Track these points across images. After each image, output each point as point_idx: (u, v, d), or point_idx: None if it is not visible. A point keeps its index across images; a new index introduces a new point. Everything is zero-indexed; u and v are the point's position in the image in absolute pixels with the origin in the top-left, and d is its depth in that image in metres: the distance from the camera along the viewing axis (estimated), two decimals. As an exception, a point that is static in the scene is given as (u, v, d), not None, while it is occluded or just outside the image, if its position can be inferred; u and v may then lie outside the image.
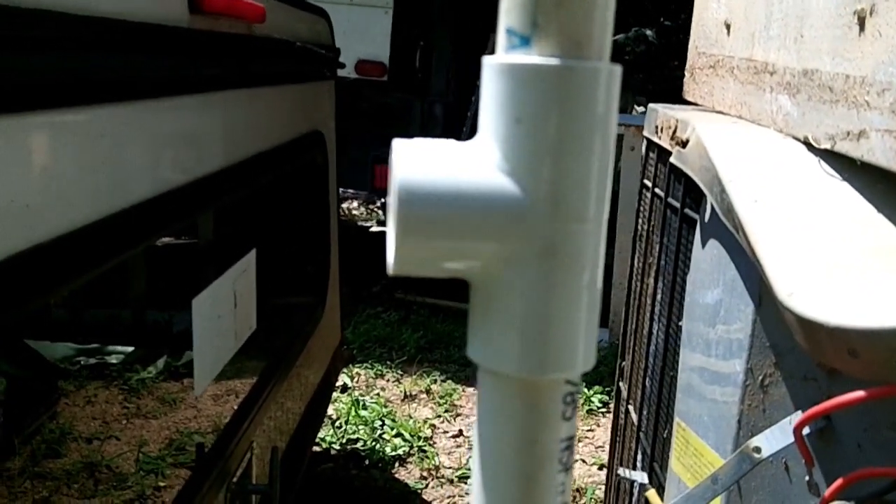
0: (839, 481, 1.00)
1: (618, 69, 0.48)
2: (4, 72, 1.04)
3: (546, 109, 0.46)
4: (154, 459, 2.43)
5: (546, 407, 0.51)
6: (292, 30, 2.51)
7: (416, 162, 0.47)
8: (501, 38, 0.48)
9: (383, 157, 5.57)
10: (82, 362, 2.82)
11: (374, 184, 5.63)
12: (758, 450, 1.18)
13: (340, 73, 3.24)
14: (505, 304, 0.49)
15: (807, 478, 1.09)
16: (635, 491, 1.88)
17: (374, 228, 8.45)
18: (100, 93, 1.31)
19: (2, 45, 1.03)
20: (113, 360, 2.87)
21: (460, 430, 4.48)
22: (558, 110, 0.46)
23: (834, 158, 1.16)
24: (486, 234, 0.48)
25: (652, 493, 1.42)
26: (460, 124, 5.71)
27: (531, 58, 0.46)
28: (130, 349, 2.92)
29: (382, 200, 6.43)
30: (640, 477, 1.56)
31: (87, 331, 2.89)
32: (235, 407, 2.30)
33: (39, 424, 2.31)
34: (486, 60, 0.48)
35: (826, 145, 1.14)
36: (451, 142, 0.50)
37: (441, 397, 4.80)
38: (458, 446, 4.34)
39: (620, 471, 1.59)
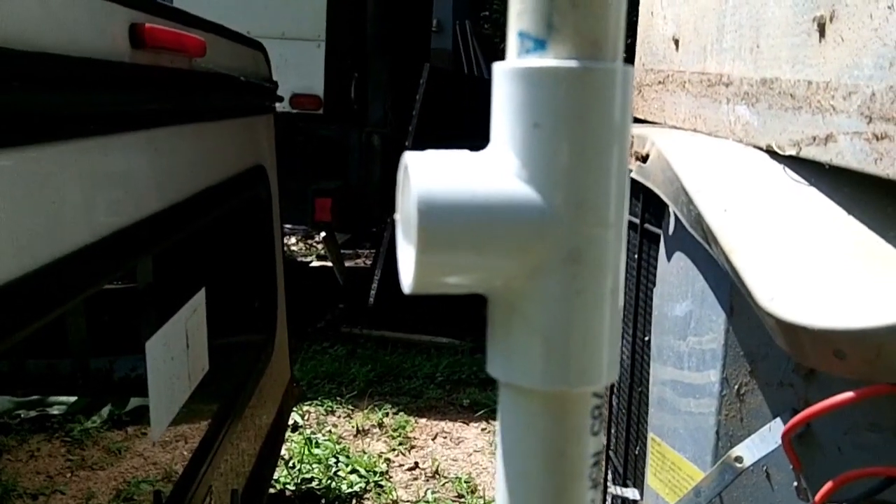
0: (829, 484, 1.00)
1: (631, 69, 0.47)
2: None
3: (565, 112, 0.45)
4: (104, 512, 2.35)
5: (574, 421, 0.49)
6: (232, 63, 2.48)
7: (432, 174, 0.46)
8: (513, 42, 0.46)
9: (323, 191, 5.56)
10: (22, 415, 2.72)
11: (314, 217, 5.58)
12: (740, 459, 1.18)
13: (276, 107, 3.21)
14: (528, 315, 0.47)
15: (795, 483, 1.09)
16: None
17: (315, 263, 8.39)
18: (37, 132, 1.26)
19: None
20: (54, 411, 2.78)
21: (416, 463, 4.43)
22: (578, 113, 0.45)
23: (799, 164, 1.17)
24: (508, 243, 0.46)
25: (644, 509, 1.41)
26: (399, 154, 5.69)
27: (548, 61, 0.45)
28: (72, 399, 2.83)
29: (322, 234, 6.38)
30: (632, 493, 1.55)
31: (27, 382, 2.80)
32: (188, 451, 2.24)
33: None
34: (498, 66, 0.47)
35: (791, 151, 1.15)
36: (465, 152, 0.48)
37: (394, 430, 4.75)
38: (415, 479, 4.29)
39: (612, 489, 1.58)
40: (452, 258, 0.46)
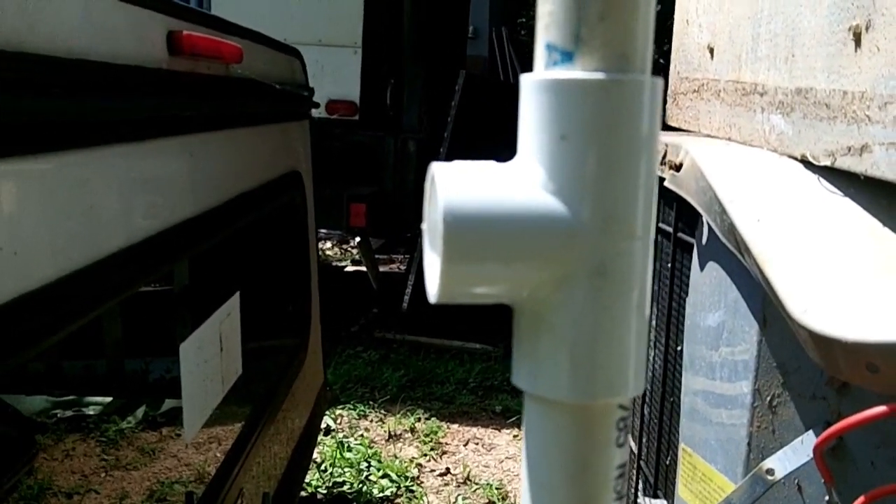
0: (861, 499, 0.99)
1: (660, 81, 0.47)
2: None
3: (593, 124, 0.45)
4: (137, 512, 2.37)
5: (599, 433, 0.49)
6: (268, 70, 2.50)
7: (460, 185, 0.46)
8: (541, 53, 0.47)
9: (357, 196, 5.58)
10: (59, 415, 2.76)
11: (349, 222, 5.60)
12: (771, 472, 1.17)
13: (312, 113, 3.23)
14: (554, 327, 0.48)
15: (826, 497, 1.08)
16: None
17: (349, 268, 8.42)
18: (77, 137, 1.28)
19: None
20: (90, 411, 2.81)
21: (447, 469, 4.43)
22: (605, 125, 0.45)
23: (833, 174, 1.16)
24: (535, 255, 0.46)
25: (674, 520, 1.41)
26: (434, 160, 5.71)
27: (576, 73, 0.45)
28: (108, 400, 2.87)
29: (357, 239, 6.41)
30: (661, 504, 1.54)
31: (63, 383, 2.83)
32: (220, 454, 2.26)
33: (17, 481, 2.25)
34: (526, 78, 0.47)
35: (826, 162, 1.14)
36: (492, 163, 0.48)
37: (426, 436, 4.75)
38: (446, 485, 4.29)
39: (641, 500, 1.57)
40: (478, 269, 0.46)
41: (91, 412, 2.83)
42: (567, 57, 0.45)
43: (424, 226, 0.50)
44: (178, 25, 1.69)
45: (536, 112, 0.46)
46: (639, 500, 1.53)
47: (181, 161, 1.75)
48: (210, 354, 2.09)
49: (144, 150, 1.55)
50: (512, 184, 0.47)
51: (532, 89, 0.47)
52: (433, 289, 0.48)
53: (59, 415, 2.81)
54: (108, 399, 2.89)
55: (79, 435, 2.68)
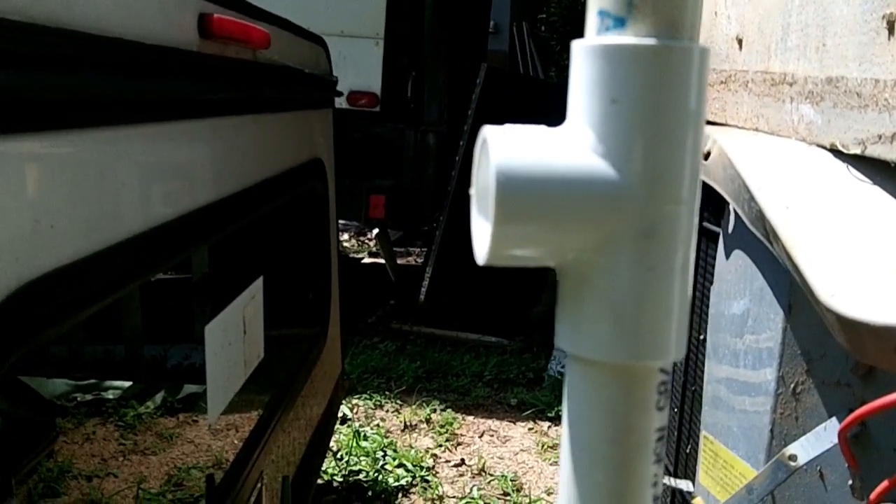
0: (884, 483, 0.99)
1: (708, 50, 0.48)
2: (5, 90, 1.01)
3: (643, 89, 0.46)
4: (155, 496, 2.40)
5: (640, 395, 0.50)
6: (294, 57, 2.51)
7: (511, 147, 0.47)
8: (593, 20, 0.48)
9: (377, 188, 5.59)
10: (79, 399, 2.78)
11: (368, 214, 5.62)
12: (793, 458, 1.17)
13: (335, 102, 3.24)
14: (599, 288, 0.49)
15: (850, 482, 1.09)
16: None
17: (367, 260, 8.44)
18: (108, 114, 1.29)
19: (5, 61, 1.00)
20: (109, 395, 2.84)
21: (462, 459, 4.45)
22: (655, 90, 0.46)
23: (863, 163, 1.16)
24: (583, 217, 0.47)
25: (699, 501, 1.41)
26: (454, 153, 5.73)
27: (628, 38, 0.46)
28: (127, 384, 2.89)
29: (375, 231, 6.43)
30: (686, 485, 1.55)
31: (84, 366, 2.86)
32: (238, 438, 2.28)
33: (37, 463, 2.27)
34: (577, 43, 0.48)
35: (856, 150, 1.14)
36: (542, 127, 0.49)
37: (441, 426, 4.77)
38: (461, 475, 4.31)
39: (666, 479, 1.58)
40: (528, 230, 0.47)
41: (110, 396, 2.86)
42: (619, 23, 0.46)
43: (472, 190, 0.51)
44: (209, 8, 1.70)
45: (588, 77, 0.47)
46: (664, 480, 1.54)
47: (209, 144, 1.77)
48: (234, 337, 2.11)
49: (175, 131, 1.57)
50: (562, 147, 0.48)
51: (584, 55, 0.48)
52: (482, 250, 0.49)
53: (79, 398, 2.84)
54: (128, 384, 2.91)
55: (98, 419, 2.71)
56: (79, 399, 2.77)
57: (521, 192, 0.46)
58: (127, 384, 2.88)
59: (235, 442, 2.31)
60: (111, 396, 2.82)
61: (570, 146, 0.48)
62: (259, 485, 2.28)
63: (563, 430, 0.53)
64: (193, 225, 1.65)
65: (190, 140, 1.66)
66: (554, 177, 0.46)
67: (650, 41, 0.45)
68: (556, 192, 0.46)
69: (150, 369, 3.06)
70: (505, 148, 0.47)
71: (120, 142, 1.33)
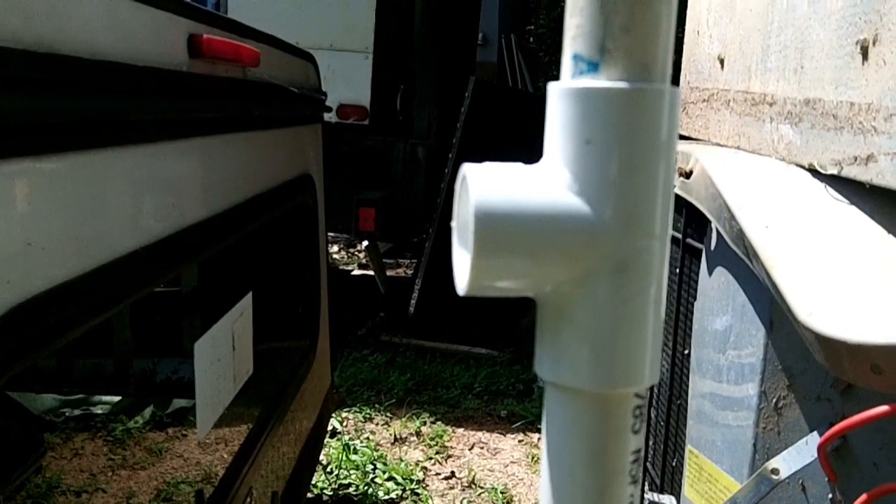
0: (863, 497, 1.01)
1: (678, 91, 0.50)
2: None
3: (616, 130, 0.48)
4: (145, 511, 2.40)
5: (617, 420, 0.52)
6: (283, 74, 2.53)
7: (490, 184, 0.49)
8: (568, 64, 0.50)
9: (367, 201, 5.61)
10: (67, 414, 2.78)
11: (357, 226, 5.64)
12: (776, 471, 1.19)
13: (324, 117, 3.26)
14: (576, 320, 0.51)
15: (830, 495, 1.11)
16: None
17: (357, 272, 8.45)
18: (101, 136, 1.31)
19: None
20: (98, 410, 2.84)
21: (452, 472, 4.46)
22: (628, 131, 0.48)
23: (839, 183, 1.19)
24: (559, 252, 0.49)
25: (682, 516, 1.43)
26: (443, 166, 5.76)
27: (600, 82, 0.48)
28: (116, 399, 2.89)
29: (365, 243, 6.45)
30: (669, 500, 1.57)
31: (73, 381, 2.86)
32: (230, 452, 2.28)
33: (25, 479, 2.27)
34: (553, 86, 0.50)
35: (832, 171, 1.17)
36: (520, 165, 0.51)
37: (431, 439, 4.78)
38: (451, 488, 4.32)
39: (648, 495, 1.60)
40: (505, 264, 0.50)
41: (99, 411, 2.85)
42: (593, 67, 0.48)
43: (454, 223, 0.53)
44: (199, 29, 1.72)
45: (563, 118, 0.50)
46: (646, 496, 1.56)
47: (198, 162, 1.79)
48: (223, 353, 2.12)
49: (164, 151, 1.58)
50: (539, 184, 0.50)
51: (559, 97, 0.50)
52: (462, 282, 0.51)
53: (67, 413, 2.83)
54: (117, 398, 2.91)
55: (87, 434, 2.71)
56: (67, 414, 2.77)
57: (499, 228, 0.48)
58: (116, 399, 2.89)
59: (225, 456, 2.32)
60: (100, 411, 2.82)
61: (547, 184, 0.50)
62: (248, 500, 2.29)
63: (542, 454, 0.55)
64: (184, 243, 1.67)
65: (180, 159, 1.68)
66: (531, 213, 0.49)
67: (622, 84, 0.48)
68: (534, 228, 0.48)
69: (139, 384, 3.06)
70: (484, 185, 0.49)
71: (111, 163, 1.35)
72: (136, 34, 1.46)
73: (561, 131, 0.50)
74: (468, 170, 0.50)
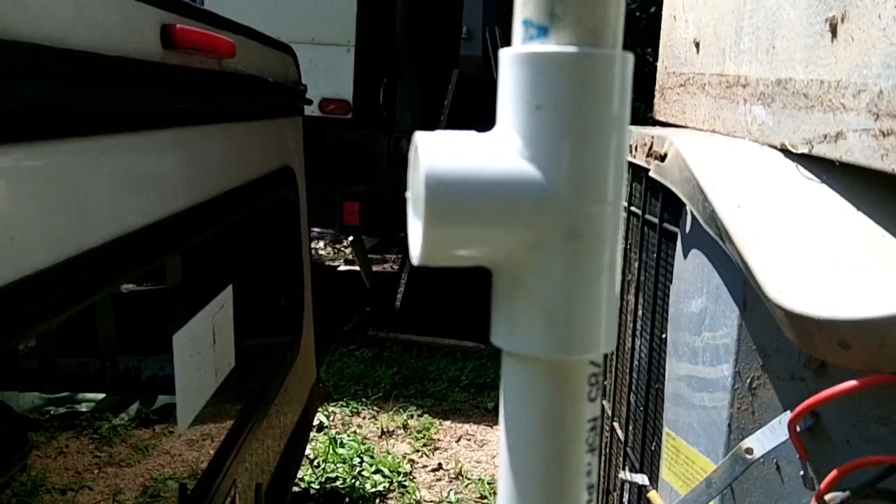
0: (834, 472, 1.02)
1: (630, 56, 0.50)
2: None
3: (566, 95, 0.48)
4: (130, 508, 2.39)
5: (572, 387, 0.52)
6: (261, 65, 2.52)
7: (441, 152, 0.49)
8: (518, 29, 0.50)
9: (351, 195, 5.60)
10: (52, 412, 2.77)
11: (342, 221, 5.63)
12: (750, 451, 1.20)
13: (305, 111, 3.25)
14: (530, 287, 0.50)
15: (801, 472, 1.11)
16: (625, 500, 1.89)
17: (343, 267, 8.44)
18: (70, 127, 1.30)
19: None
20: (83, 408, 2.82)
21: (439, 464, 4.46)
22: (578, 95, 0.48)
23: (811, 162, 1.19)
24: (511, 219, 0.49)
25: (654, 495, 1.43)
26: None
27: (550, 47, 0.48)
28: (101, 396, 2.88)
29: (350, 238, 6.44)
30: (642, 479, 1.57)
31: (57, 380, 2.84)
32: (214, 447, 2.28)
33: (10, 477, 2.26)
34: (504, 52, 0.50)
35: (803, 149, 1.17)
36: (472, 133, 0.51)
37: (418, 432, 4.78)
38: (438, 480, 4.32)
39: (622, 474, 1.61)
40: (458, 232, 0.49)
41: (84, 409, 2.84)
42: (542, 32, 0.48)
43: (408, 194, 0.53)
44: (172, 19, 1.71)
45: (513, 84, 0.49)
46: (619, 475, 1.56)
47: (174, 154, 1.78)
48: (203, 346, 2.11)
49: (137, 142, 1.57)
50: (490, 152, 0.49)
51: (510, 63, 0.49)
52: (415, 251, 0.51)
53: (52, 412, 2.82)
54: (101, 396, 2.90)
55: (72, 432, 2.70)
56: (52, 412, 2.76)
57: (450, 196, 0.48)
58: (101, 396, 2.87)
59: (209, 451, 2.32)
60: (85, 409, 2.81)
61: (499, 151, 0.49)
62: (232, 493, 2.28)
63: (501, 423, 0.54)
64: (160, 235, 1.66)
65: (155, 150, 1.67)
66: (482, 180, 0.48)
67: (571, 49, 0.47)
68: (485, 196, 0.48)
69: (124, 381, 3.05)
70: (435, 153, 0.49)
71: (83, 153, 1.34)
72: (107, 23, 1.45)
73: (512, 97, 0.49)
74: (420, 138, 0.50)
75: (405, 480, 4.26)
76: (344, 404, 5.09)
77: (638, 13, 12.16)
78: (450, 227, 0.49)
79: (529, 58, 0.48)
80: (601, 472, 2.30)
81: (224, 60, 2.08)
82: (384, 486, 4.18)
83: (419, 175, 0.48)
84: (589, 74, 0.48)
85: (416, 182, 0.50)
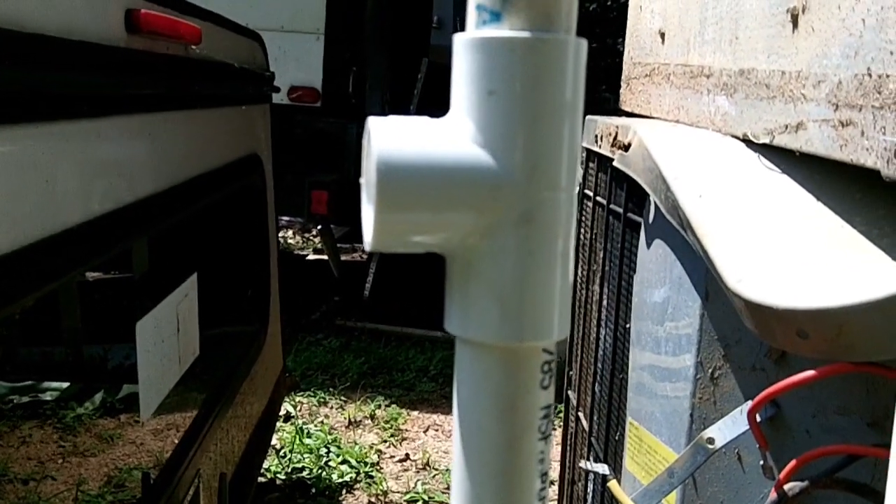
0: (793, 462, 1.03)
1: (584, 42, 0.50)
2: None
3: (518, 80, 0.48)
4: (94, 497, 2.37)
5: (525, 375, 0.52)
6: (228, 52, 2.50)
7: (393, 137, 0.48)
8: (472, 14, 0.49)
9: (319, 183, 5.57)
10: (15, 401, 2.74)
11: (310, 210, 5.60)
12: (711, 441, 1.20)
13: (273, 99, 3.23)
14: (483, 273, 0.50)
15: (762, 462, 1.12)
16: (590, 497, 1.90)
17: (311, 256, 8.41)
18: (32, 112, 1.28)
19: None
20: (47, 397, 2.80)
21: (407, 455, 4.46)
22: (530, 81, 0.48)
23: (772, 152, 1.20)
24: (464, 204, 0.49)
25: (614, 484, 1.44)
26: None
27: (502, 31, 0.47)
28: (65, 385, 2.85)
29: (318, 227, 6.41)
30: (602, 469, 1.58)
31: (20, 368, 2.82)
32: (179, 437, 2.26)
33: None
34: (458, 37, 0.50)
35: (765, 140, 1.18)
36: (425, 118, 0.51)
37: (386, 422, 4.78)
38: (406, 470, 4.32)
39: (582, 463, 1.61)
40: (410, 218, 0.49)
41: (48, 398, 2.81)
42: (495, 17, 0.48)
43: (362, 179, 0.53)
44: (137, 3, 1.69)
45: (467, 69, 0.49)
46: (580, 465, 1.57)
47: (139, 139, 1.76)
48: (167, 334, 2.10)
49: (101, 127, 1.56)
50: (443, 137, 0.49)
51: (463, 48, 0.49)
52: (368, 237, 0.50)
53: (15, 401, 2.79)
54: (66, 385, 2.87)
55: (35, 421, 2.67)
56: (15, 401, 2.73)
57: (401, 181, 0.48)
58: (65, 385, 2.85)
59: (173, 440, 2.30)
60: (49, 398, 2.78)
61: (451, 136, 0.49)
62: (196, 482, 2.27)
63: (454, 410, 0.54)
64: (124, 221, 1.64)
65: (120, 136, 1.65)
66: (434, 166, 0.48)
67: (524, 34, 0.47)
68: (437, 181, 0.48)
69: (89, 370, 3.02)
70: (387, 138, 0.48)
71: (45, 138, 1.32)
72: (70, 7, 1.43)
73: (465, 83, 0.49)
74: (372, 123, 0.49)
75: (372, 471, 4.26)
76: (311, 394, 5.07)
77: (609, 3, 12.17)
78: (401, 213, 0.48)
79: (482, 43, 0.48)
80: (567, 463, 2.31)
81: (190, 46, 2.06)
82: (351, 477, 4.18)
83: (371, 160, 0.48)
84: (542, 59, 0.48)
85: (368, 167, 0.50)
